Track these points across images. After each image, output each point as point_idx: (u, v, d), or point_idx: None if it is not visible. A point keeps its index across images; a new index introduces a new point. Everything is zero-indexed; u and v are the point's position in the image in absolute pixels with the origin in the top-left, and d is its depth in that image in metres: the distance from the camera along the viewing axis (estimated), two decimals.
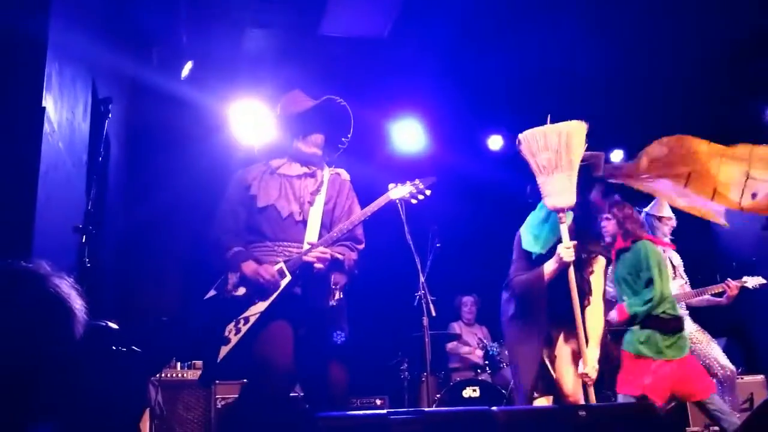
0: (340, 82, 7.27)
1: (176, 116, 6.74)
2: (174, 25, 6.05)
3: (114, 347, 2.91)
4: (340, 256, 3.63)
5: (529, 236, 4.28)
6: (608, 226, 4.95)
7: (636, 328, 4.71)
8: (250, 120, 6.78)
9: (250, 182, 3.73)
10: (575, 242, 4.02)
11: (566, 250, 3.96)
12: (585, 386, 4.08)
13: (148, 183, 6.70)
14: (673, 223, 5.87)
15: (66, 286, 1.50)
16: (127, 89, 6.11)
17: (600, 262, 4.24)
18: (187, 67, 6.45)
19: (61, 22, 3.58)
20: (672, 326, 4.70)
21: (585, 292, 4.13)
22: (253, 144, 5.95)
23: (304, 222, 3.66)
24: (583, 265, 4.16)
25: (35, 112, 3.24)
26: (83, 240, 3.42)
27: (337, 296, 3.60)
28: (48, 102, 3.34)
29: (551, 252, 4.09)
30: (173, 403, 5.52)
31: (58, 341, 1.46)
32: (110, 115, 3.80)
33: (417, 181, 3.83)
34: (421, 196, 3.82)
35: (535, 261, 4.21)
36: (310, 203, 3.70)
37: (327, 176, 3.85)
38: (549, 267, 4.07)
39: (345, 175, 3.96)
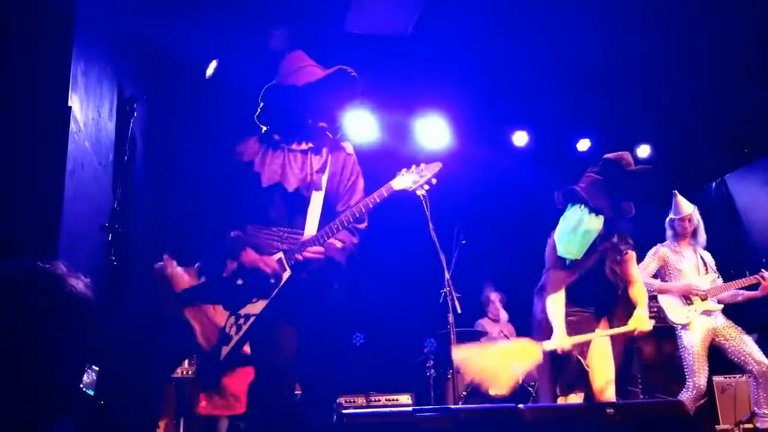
0: (364, 79, 7.25)
1: (201, 115, 6.76)
2: (198, 24, 6.07)
3: (128, 348, 2.91)
4: (339, 244, 3.39)
5: (562, 243, 4.38)
6: None
7: None
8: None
9: (251, 158, 3.44)
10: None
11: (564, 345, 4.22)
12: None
13: (173, 181, 6.73)
14: (686, 224, 5.80)
15: (82, 287, 1.50)
16: (152, 88, 6.15)
17: (632, 257, 4.50)
18: (212, 66, 6.47)
19: (86, 22, 3.60)
20: None
21: (623, 284, 4.43)
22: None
23: (309, 200, 3.39)
24: (617, 261, 4.40)
25: (61, 112, 3.26)
26: (109, 238, 3.44)
27: (339, 294, 3.40)
28: (74, 101, 3.36)
29: (590, 258, 4.33)
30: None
31: (73, 341, 1.46)
32: (135, 114, 3.82)
33: (422, 167, 3.50)
34: (427, 187, 3.50)
35: (570, 266, 4.37)
36: (316, 187, 3.41)
37: (328, 150, 3.54)
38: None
39: (349, 148, 3.63)
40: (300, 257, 3.26)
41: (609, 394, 4.20)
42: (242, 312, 3.27)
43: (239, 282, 3.30)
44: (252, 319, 3.24)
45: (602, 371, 4.25)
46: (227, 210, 3.44)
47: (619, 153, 4.45)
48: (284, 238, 3.35)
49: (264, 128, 3.60)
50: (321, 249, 3.29)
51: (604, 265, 4.37)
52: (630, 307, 4.40)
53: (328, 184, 3.46)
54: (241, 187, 3.41)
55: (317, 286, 3.34)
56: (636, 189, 4.46)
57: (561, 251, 4.39)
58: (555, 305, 4.31)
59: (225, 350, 3.24)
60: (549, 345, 4.20)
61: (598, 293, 4.42)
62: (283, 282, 3.26)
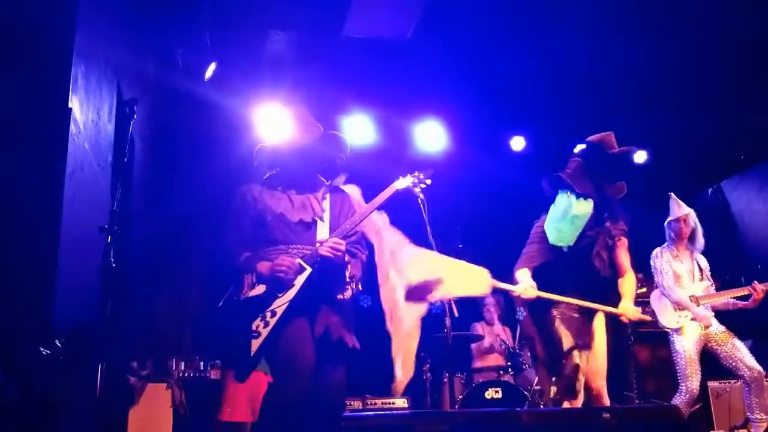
0: (363, 83, 7.28)
1: (200, 117, 6.77)
2: (197, 27, 6.08)
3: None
4: (355, 251, 3.66)
5: (553, 231, 4.35)
6: None
7: None
8: (274, 121, 6.80)
9: (255, 196, 3.71)
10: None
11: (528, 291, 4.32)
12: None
13: (172, 183, 6.74)
14: (681, 224, 5.79)
15: None
16: (151, 91, 6.15)
17: (624, 244, 4.46)
18: (211, 69, 6.48)
19: (86, 25, 3.61)
20: None
21: (610, 270, 4.38)
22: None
23: (314, 226, 3.66)
24: (610, 246, 4.38)
25: (61, 114, 3.27)
26: (109, 240, 3.44)
27: (356, 288, 3.63)
28: (74, 103, 3.37)
29: (579, 243, 4.31)
30: (197, 402, 5.53)
31: None
32: (135, 116, 3.82)
33: (416, 173, 3.99)
34: (423, 185, 3.98)
35: (567, 253, 4.37)
36: (321, 209, 3.73)
37: (329, 193, 3.87)
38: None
39: (348, 189, 3.97)
40: (323, 251, 3.47)
41: (599, 391, 4.20)
42: (269, 309, 3.43)
43: (260, 290, 3.48)
44: (280, 312, 3.40)
45: (599, 372, 4.25)
46: (237, 238, 3.66)
47: (601, 135, 4.43)
48: (293, 253, 3.54)
49: (266, 175, 3.89)
50: (341, 242, 3.51)
51: (591, 251, 4.34)
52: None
53: (331, 216, 3.76)
54: (249, 221, 3.67)
55: (333, 285, 3.56)
56: (620, 170, 4.45)
57: (553, 239, 4.38)
58: (521, 277, 4.38)
59: (255, 344, 3.37)
60: (514, 288, 4.30)
61: (581, 279, 4.37)
62: (305, 278, 3.45)
